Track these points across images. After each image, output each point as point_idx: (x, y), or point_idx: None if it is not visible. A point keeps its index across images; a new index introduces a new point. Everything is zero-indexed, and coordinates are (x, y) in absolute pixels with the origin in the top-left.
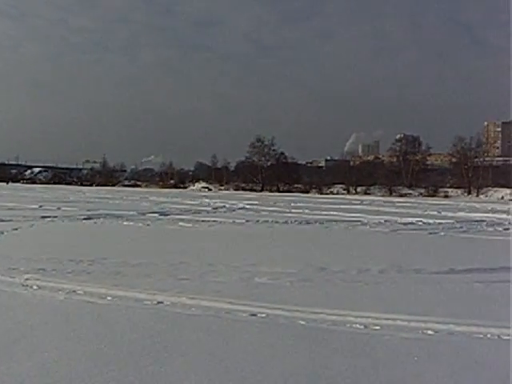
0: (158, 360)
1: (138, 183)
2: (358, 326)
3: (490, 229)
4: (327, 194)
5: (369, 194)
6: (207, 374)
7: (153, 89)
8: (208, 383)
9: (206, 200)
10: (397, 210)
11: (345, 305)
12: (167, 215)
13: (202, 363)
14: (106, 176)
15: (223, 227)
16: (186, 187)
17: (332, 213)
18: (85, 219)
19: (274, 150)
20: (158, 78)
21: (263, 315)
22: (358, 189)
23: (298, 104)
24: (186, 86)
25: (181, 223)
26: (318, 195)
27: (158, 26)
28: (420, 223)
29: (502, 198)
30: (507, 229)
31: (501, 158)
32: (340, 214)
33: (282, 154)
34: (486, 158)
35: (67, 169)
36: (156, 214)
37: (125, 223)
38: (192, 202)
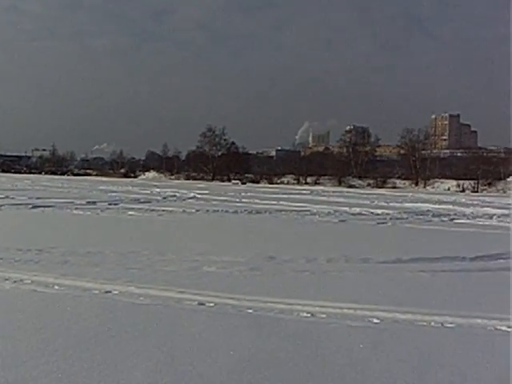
0: (105, 349)
1: (88, 172)
2: (305, 314)
3: (436, 219)
4: (277, 183)
5: (319, 184)
6: (155, 363)
7: (105, 77)
8: (156, 372)
9: (157, 189)
10: (345, 200)
11: (292, 293)
12: (117, 204)
13: (149, 352)
14: (56, 164)
15: (173, 217)
16: (136, 176)
17: (282, 202)
18: (33, 208)
19: (224, 140)
20: (109, 66)
21: (211, 304)
22: (308, 179)
23: (249, 94)
24: (138, 75)
25: (131, 212)
26: (268, 185)
27: (110, 13)
28: (368, 213)
29: (449, 189)
30: (453, 219)
31: (448, 150)
32: (289, 203)
33: (233, 143)
34: (434, 150)
35: (16, 157)
36: (106, 203)
37: (74, 212)
38: (142, 191)
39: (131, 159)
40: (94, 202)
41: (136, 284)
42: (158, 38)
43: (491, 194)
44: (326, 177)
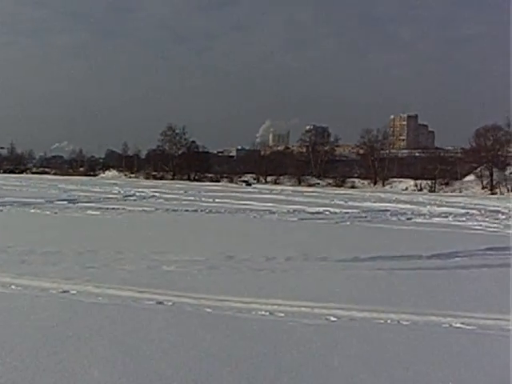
0: (62, 349)
1: (47, 170)
2: (263, 312)
3: (394, 218)
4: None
5: (278, 183)
6: (113, 362)
7: (65, 74)
8: (113, 372)
9: (116, 188)
10: (305, 200)
11: (251, 292)
12: (76, 203)
13: (107, 352)
14: (14, 162)
15: (132, 215)
16: (96, 175)
17: (241, 202)
18: None
19: (185, 139)
20: (70, 63)
21: (170, 303)
22: (268, 178)
23: (210, 93)
24: (99, 72)
25: (89, 211)
26: (229, 184)
27: (71, 9)
28: (327, 213)
29: (406, 188)
30: (410, 218)
31: (406, 151)
32: (249, 202)
33: (194, 142)
34: (392, 150)
35: None
36: (64, 202)
37: (32, 211)
38: (102, 190)
39: (91, 158)
40: (53, 201)
41: (94, 283)
42: (120, 36)
43: (448, 194)
44: (286, 176)
